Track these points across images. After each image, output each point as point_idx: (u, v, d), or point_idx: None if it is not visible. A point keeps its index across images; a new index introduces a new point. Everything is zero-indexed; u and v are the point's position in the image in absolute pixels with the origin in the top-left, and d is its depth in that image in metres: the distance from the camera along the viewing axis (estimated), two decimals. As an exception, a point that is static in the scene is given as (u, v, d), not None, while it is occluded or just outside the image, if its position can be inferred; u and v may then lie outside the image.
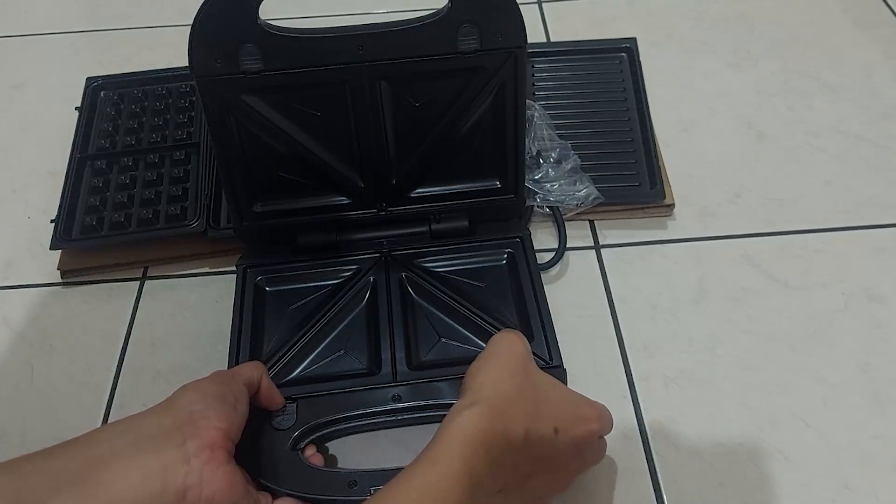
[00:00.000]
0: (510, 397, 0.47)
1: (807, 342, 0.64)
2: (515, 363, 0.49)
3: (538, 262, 0.66)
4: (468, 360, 0.59)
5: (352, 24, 0.57)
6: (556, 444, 0.48)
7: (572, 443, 0.50)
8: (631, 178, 0.73)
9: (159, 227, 0.70)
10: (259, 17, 0.55)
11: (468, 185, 0.67)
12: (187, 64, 0.57)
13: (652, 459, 0.57)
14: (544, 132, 0.74)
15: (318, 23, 0.59)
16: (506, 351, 0.50)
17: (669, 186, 0.73)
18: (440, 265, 0.67)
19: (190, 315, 0.68)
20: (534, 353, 0.58)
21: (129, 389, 0.63)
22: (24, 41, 0.97)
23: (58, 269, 0.70)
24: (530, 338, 0.60)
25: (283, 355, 0.61)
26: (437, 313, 0.64)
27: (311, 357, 0.61)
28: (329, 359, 0.61)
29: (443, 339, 0.62)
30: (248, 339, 0.61)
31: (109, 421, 0.61)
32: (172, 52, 0.91)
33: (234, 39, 0.56)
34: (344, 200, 0.67)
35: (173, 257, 0.71)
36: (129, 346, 0.66)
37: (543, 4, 0.98)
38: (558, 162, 0.72)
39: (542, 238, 0.71)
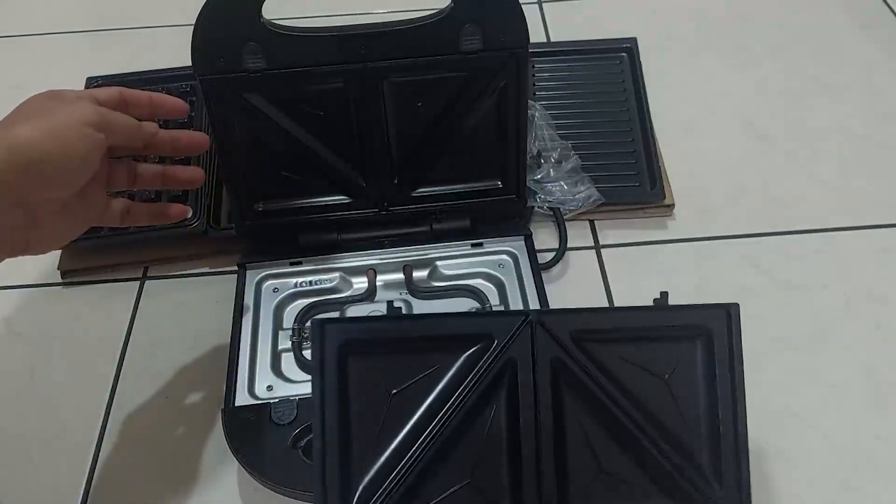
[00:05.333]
0: None
1: (808, 342, 0.64)
2: None
3: (539, 261, 0.66)
4: None
5: (355, 23, 0.57)
6: None
7: None
8: (631, 178, 0.73)
9: (159, 227, 0.69)
10: (262, 16, 0.55)
11: (470, 186, 0.67)
12: (187, 64, 0.57)
13: (654, 459, 0.57)
14: (545, 132, 0.74)
15: (321, 22, 0.59)
16: None
17: (669, 186, 0.73)
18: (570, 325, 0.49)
19: (190, 315, 0.67)
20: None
21: (129, 389, 0.63)
22: (24, 41, 0.97)
23: (58, 269, 0.70)
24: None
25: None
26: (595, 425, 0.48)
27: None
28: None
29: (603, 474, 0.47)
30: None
31: (109, 422, 0.61)
32: (172, 53, 0.91)
33: (237, 38, 0.56)
34: (346, 200, 0.66)
35: (173, 257, 0.71)
36: (129, 347, 0.65)
37: (543, 4, 0.98)
38: (559, 162, 0.72)
39: (543, 238, 0.71)
